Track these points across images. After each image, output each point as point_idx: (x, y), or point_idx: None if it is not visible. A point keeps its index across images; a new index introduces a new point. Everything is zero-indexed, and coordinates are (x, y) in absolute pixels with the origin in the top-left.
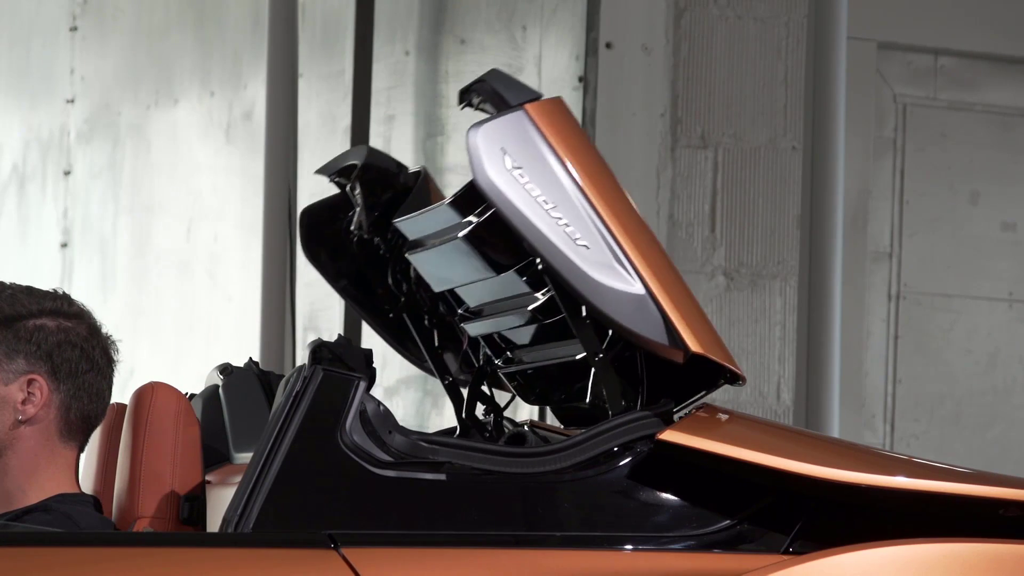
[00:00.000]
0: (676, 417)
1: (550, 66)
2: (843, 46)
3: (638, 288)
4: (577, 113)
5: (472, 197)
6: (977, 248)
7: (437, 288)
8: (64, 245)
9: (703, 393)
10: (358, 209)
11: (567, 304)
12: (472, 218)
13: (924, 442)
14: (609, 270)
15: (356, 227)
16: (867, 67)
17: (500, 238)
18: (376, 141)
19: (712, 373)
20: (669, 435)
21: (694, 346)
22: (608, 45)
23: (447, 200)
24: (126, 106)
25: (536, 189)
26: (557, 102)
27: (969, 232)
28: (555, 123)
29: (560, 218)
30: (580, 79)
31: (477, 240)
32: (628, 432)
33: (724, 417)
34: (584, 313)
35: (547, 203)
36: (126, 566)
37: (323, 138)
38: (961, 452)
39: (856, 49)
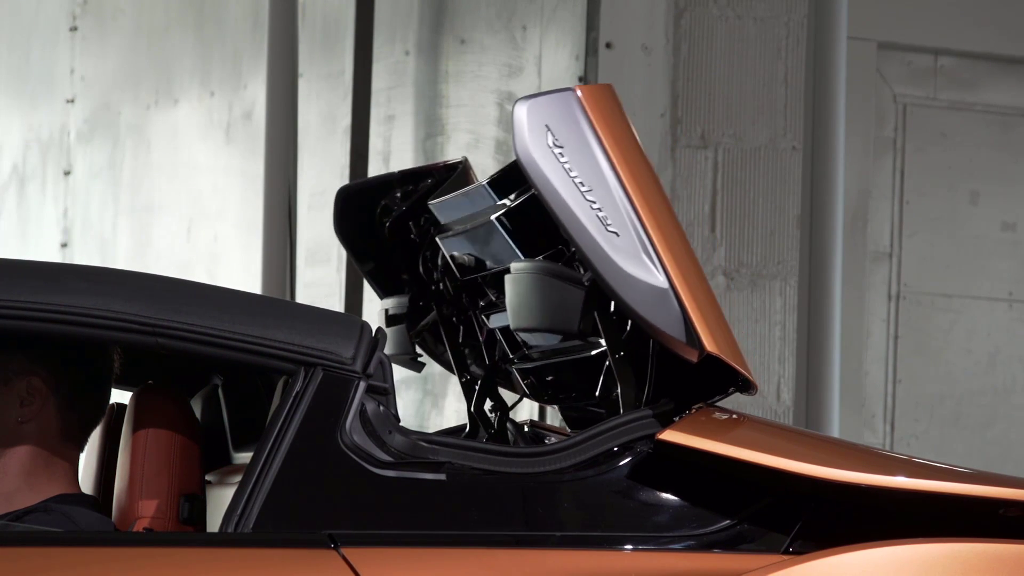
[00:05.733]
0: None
1: (550, 66)
2: (843, 46)
3: (662, 281)
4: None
5: (509, 180)
6: (977, 248)
7: (463, 276)
8: (64, 245)
9: (717, 398)
10: (397, 193)
11: (598, 298)
12: (507, 200)
13: (924, 442)
14: (636, 260)
15: (393, 206)
16: (867, 67)
17: (532, 222)
18: (376, 141)
19: (724, 378)
20: (669, 435)
21: (710, 346)
22: (608, 45)
23: (484, 180)
24: (126, 106)
25: (574, 170)
26: (607, 89)
27: (969, 232)
28: (602, 108)
29: (594, 202)
30: (580, 79)
31: (510, 223)
32: (628, 432)
33: (724, 417)
34: (612, 308)
35: (583, 185)
36: (126, 566)
37: (323, 138)
38: (961, 452)
39: (856, 49)
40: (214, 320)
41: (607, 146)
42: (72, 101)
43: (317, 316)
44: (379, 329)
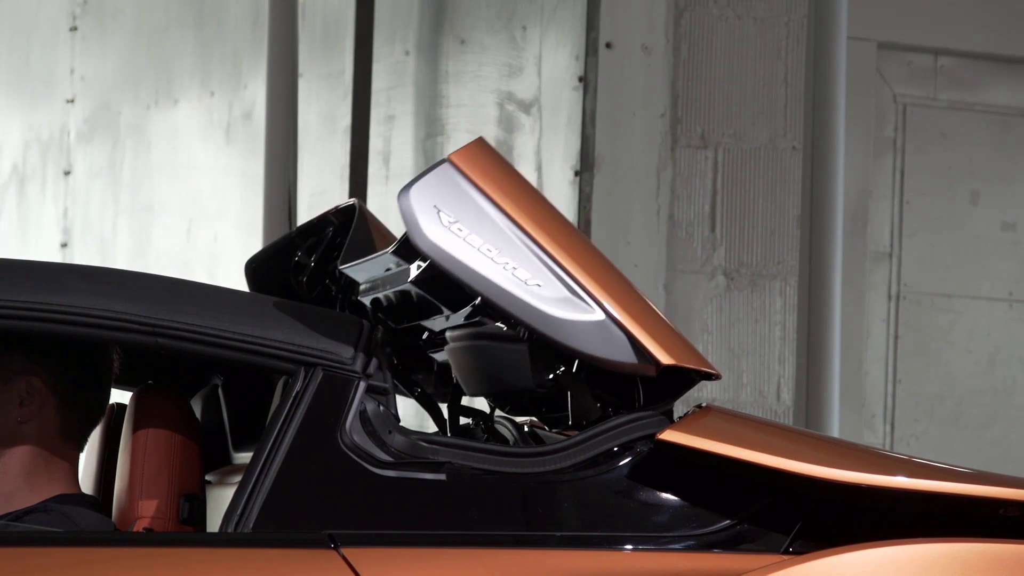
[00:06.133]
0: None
1: (550, 66)
2: (843, 46)
3: (598, 314)
4: (577, 113)
5: (411, 248)
6: (977, 248)
7: (397, 325)
8: (64, 245)
9: (684, 392)
10: (301, 252)
11: (542, 347)
12: (417, 268)
13: (924, 442)
14: (566, 303)
15: (303, 263)
16: (867, 67)
17: (449, 283)
18: (376, 141)
19: (688, 374)
20: (669, 435)
21: (665, 359)
22: (608, 45)
23: (390, 249)
24: (126, 106)
25: (477, 239)
26: (479, 144)
27: (969, 232)
28: (482, 166)
29: (507, 263)
30: (580, 79)
31: (426, 287)
32: (628, 432)
33: (724, 417)
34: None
35: (491, 250)
36: (126, 566)
37: (323, 138)
38: (961, 452)
39: (856, 49)
40: (214, 320)
41: (499, 202)
42: (72, 101)
43: (317, 316)
44: (379, 329)
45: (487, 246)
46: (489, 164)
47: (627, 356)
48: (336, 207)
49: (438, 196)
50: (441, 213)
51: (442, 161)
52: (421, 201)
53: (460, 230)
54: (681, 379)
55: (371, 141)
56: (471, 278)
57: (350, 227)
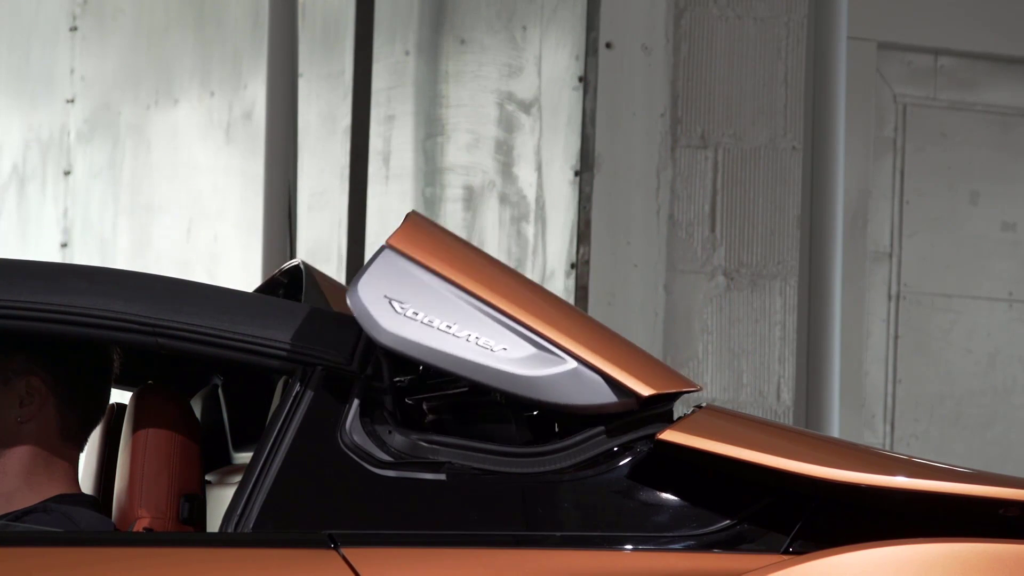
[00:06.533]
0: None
1: (550, 66)
2: (843, 46)
3: (570, 363)
4: (577, 113)
5: None
6: (977, 248)
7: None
8: (64, 245)
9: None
10: None
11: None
12: (384, 359)
13: (924, 442)
14: (536, 360)
15: None
16: (867, 67)
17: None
18: (376, 141)
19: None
20: (669, 435)
21: (644, 390)
22: (608, 45)
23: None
24: (126, 106)
25: (435, 318)
26: (414, 221)
27: (969, 232)
28: (422, 243)
29: (469, 334)
30: (580, 79)
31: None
32: (628, 432)
33: (724, 417)
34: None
35: (451, 326)
36: (126, 566)
37: (323, 138)
38: (961, 452)
39: (856, 49)
40: (214, 320)
41: (447, 276)
42: (72, 101)
43: (317, 316)
44: None
45: (446, 323)
46: (429, 239)
47: (606, 397)
48: (281, 268)
49: (386, 285)
50: (393, 302)
51: (382, 249)
52: (370, 295)
53: (416, 314)
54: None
55: (371, 141)
56: (438, 359)
57: (299, 287)
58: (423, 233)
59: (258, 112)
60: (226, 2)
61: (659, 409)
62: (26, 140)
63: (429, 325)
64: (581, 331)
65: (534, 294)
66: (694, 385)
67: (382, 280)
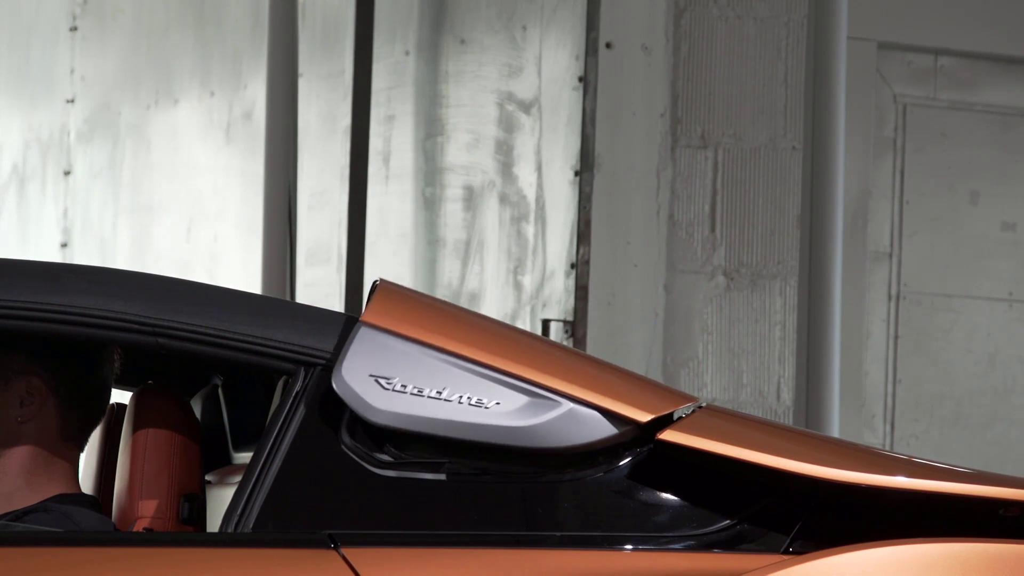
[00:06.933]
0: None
1: (550, 66)
2: (843, 46)
3: (564, 405)
4: (577, 113)
5: None
6: (977, 248)
7: None
8: (64, 245)
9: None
10: None
11: None
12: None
13: (924, 442)
14: (530, 408)
15: None
16: (867, 67)
17: None
18: (376, 141)
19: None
20: (669, 435)
21: (642, 416)
22: (608, 45)
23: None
24: (126, 106)
25: (424, 387)
26: (383, 291)
27: (969, 232)
28: (395, 313)
29: (460, 396)
30: (580, 79)
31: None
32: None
33: (724, 417)
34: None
35: (440, 392)
36: (126, 566)
37: (323, 138)
38: (961, 452)
39: (856, 49)
40: (214, 320)
41: (426, 341)
42: (72, 101)
43: (317, 316)
44: None
45: (435, 389)
46: (401, 307)
47: (607, 431)
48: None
49: (369, 364)
50: (380, 380)
51: (358, 327)
52: (355, 377)
53: (404, 387)
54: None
55: (371, 141)
56: (436, 428)
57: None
58: (394, 302)
59: (258, 112)
60: (226, 2)
61: (662, 430)
62: (26, 140)
63: (419, 395)
64: (568, 369)
65: (515, 341)
66: (692, 399)
67: (364, 359)
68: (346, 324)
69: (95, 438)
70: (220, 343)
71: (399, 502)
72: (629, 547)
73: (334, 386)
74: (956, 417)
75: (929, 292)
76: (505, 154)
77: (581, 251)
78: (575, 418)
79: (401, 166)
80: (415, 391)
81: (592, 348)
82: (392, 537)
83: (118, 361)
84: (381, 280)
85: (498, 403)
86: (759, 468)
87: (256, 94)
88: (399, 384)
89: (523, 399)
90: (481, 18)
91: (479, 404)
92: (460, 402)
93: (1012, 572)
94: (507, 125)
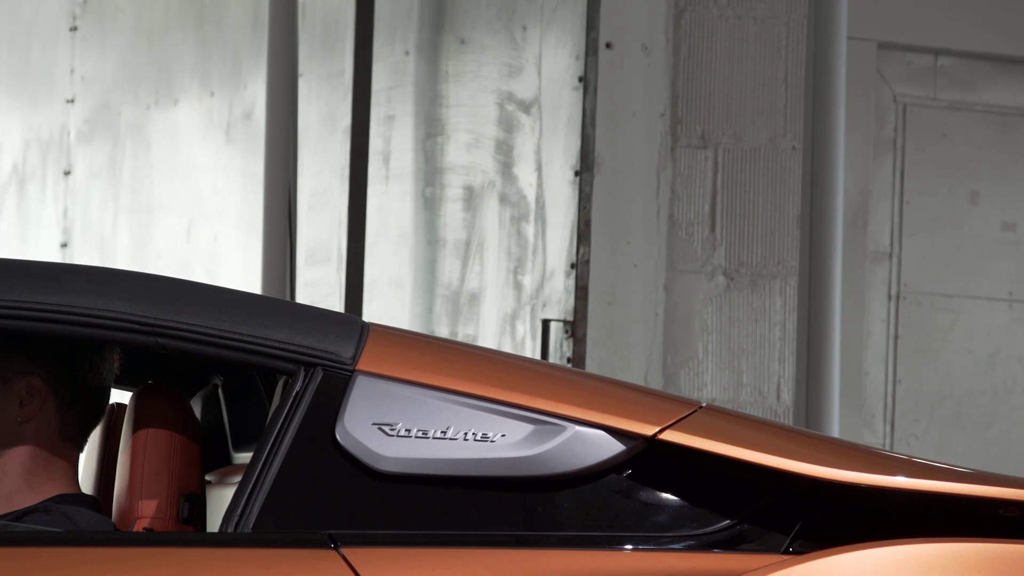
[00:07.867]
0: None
1: (550, 66)
2: (843, 46)
3: (570, 428)
4: (577, 113)
5: None
6: (977, 248)
7: None
8: (64, 245)
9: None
10: None
11: None
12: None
13: (924, 442)
14: (536, 435)
15: None
16: (867, 67)
17: None
18: (376, 141)
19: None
20: (669, 435)
21: (648, 430)
22: (608, 45)
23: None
24: (126, 106)
25: (428, 429)
26: (376, 336)
27: (969, 232)
28: (388, 357)
29: (464, 432)
30: (580, 79)
31: None
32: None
33: (724, 417)
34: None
35: (444, 432)
36: (126, 566)
37: (323, 138)
38: (961, 452)
39: (856, 49)
40: (214, 320)
41: (423, 381)
42: (72, 101)
43: (317, 316)
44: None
45: (439, 430)
46: (393, 351)
47: (615, 448)
48: None
49: (370, 413)
50: (382, 428)
51: (353, 378)
52: (359, 428)
53: (408, 432)
54: None
55: (371, 141)
56: (444, 468)
57: None
58: (386, 346)
59: (258, 112)
60: (226, 2)
61: (668, 441)
62: (26, 140)
63: (425, 437)
64: (567, 391)
65: (511, 369)
66: (693, 404)
67: (364, 409)
68: (346, 324)
69: (95, 438)
70: (220, 343)
71: (399, 502)
72: (629, 547)
73: (339, 440)
74: (956, 417)
75: (929, 292)
76: (505, 154)
77: (581, 251)
78: (582, 440)
79: (401, 166)
80: (420, 434)
81: (592, 348)
82: (392, 537)
83: (118, 361)
84: (371, 324)
85: (503, 435)
86: (759, 468)
87: (256, 94)
88: (403, 429)
89: (528, 428)
90: (481, 18)
91: (485, 439)
92: (466, 439)
93: (1012, 572)
94: (507, 125)
